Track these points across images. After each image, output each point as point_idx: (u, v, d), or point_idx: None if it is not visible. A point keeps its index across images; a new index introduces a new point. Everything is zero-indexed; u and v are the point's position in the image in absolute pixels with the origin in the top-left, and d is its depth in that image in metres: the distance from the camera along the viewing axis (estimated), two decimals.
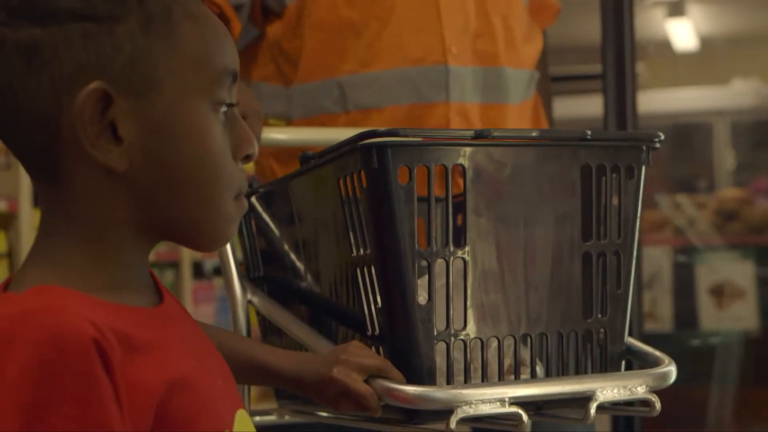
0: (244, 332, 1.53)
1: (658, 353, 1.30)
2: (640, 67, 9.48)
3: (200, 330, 1.00)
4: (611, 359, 1.28)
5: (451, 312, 1.19)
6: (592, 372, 1.27)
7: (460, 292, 1.20)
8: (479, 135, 1.18)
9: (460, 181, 1.19)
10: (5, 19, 0.88)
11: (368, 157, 1.15)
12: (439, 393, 1.14)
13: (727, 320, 4.66)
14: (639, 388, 1.21)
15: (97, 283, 0.89)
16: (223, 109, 0.93)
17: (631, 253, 1.29)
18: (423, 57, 1.73)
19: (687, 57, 10.10)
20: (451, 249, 1.18)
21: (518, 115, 1.83)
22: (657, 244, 4.81)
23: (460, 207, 1.20)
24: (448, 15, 1.75)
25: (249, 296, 1.55)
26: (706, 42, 9.54)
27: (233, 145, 0.94)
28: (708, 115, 8.70)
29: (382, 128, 1.16)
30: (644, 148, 1.28)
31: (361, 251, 1.22)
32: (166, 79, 0.90)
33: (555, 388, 1.19)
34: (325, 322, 1.39)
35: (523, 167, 1.22)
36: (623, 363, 1.30)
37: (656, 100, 8.73)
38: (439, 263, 1.18)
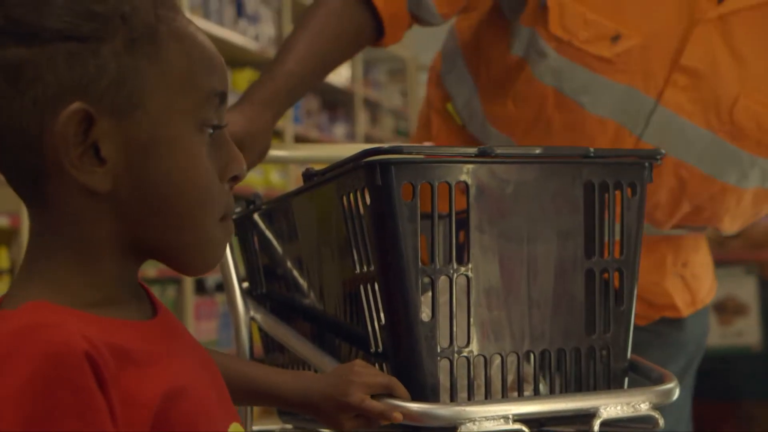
0: (246, 349, 1.53)
1: (661, 369, 1.30)
2: None
3: (195, 342, 1.00)
4: (614, 376, 1.28)
5: (455, 329, 1.19)
6: (596, 389, 1.27)
7: (464, 308, 1.20)
8: (482, 152, 1.18)
9: (464, 198, 1.20)
10: None
11: (372, 175, 1.16)
12: (443, 410, 1.14)
13: (730, 336, 4.65)
14: (642, 405, 1.21)
15: (87, 299, 0.89)
16: (210, 130, 0.92)
17: (634, 270, 1.29)
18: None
19: None
20: (455, 266, 1.18)
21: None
22: None
23: (463, 224, 1.20)
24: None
25: (251, 313, 1.55)
26: None
27: (220, 167, 0.93)
28: None
29: (385, 145, 1.16)
30: (646, 164, 1.28)
31: (365, 268, 1.22)
32: (151, 100, 0.89)
33: (559, 405, 1.20)
34: (328, 339, 1.39)
35: (526, 184, 1.22)
36: (626, 379, 1.30)
37: None
38: (443, 280, 1.18)
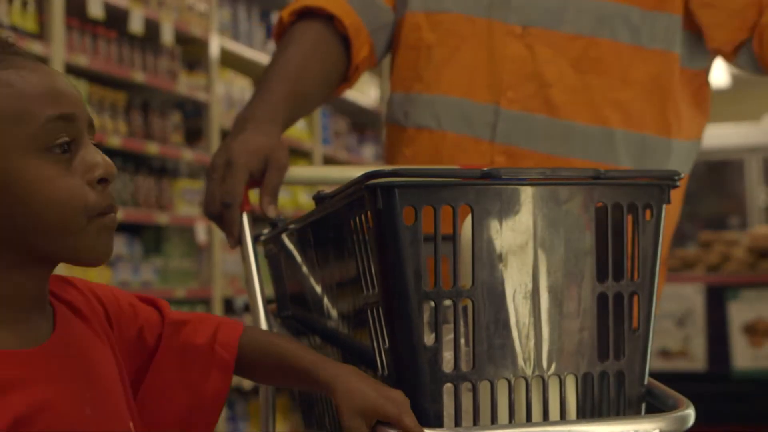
0: None
1: (678, 395, 1.27)
2: None
3: (92, 362, 1.14)
4: (630, 402, 1.25)
5: (460, 354, 1.17)
6: (610, 415, 1.24)
7: (469, 333, 1.18)
8: (487, 175, 1.16)
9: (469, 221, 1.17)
10: None
11: (373, 198, 1.14)
12: None
13: (761, 359, 4.60)
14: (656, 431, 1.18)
15: None
16: (58, 150, 1.07)
17: (651, 294, 1.26)
18: (479, 93, 1.79)
19: (719, 93, 10.07)
20: (459, 290, 1.17)
21: None
22: (689, 282, 4.77)
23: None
24: (512, 61, 1.78)
25: None
26: (737, 79, 9.50)
27: (83, 173, 1.08)
28: (740, 151, 8.65)
29: (388, 168, 1.15)
30: (663, 187, 1.25)
31: (371, 291, 1.21)
32: None
33: (564, 431, 1.18)
34: (348, 362, 1.38)
35: (534, 206, 1.19)
36: (643, 405, 1.27)
37: None
38: (446, 304, 1.16)
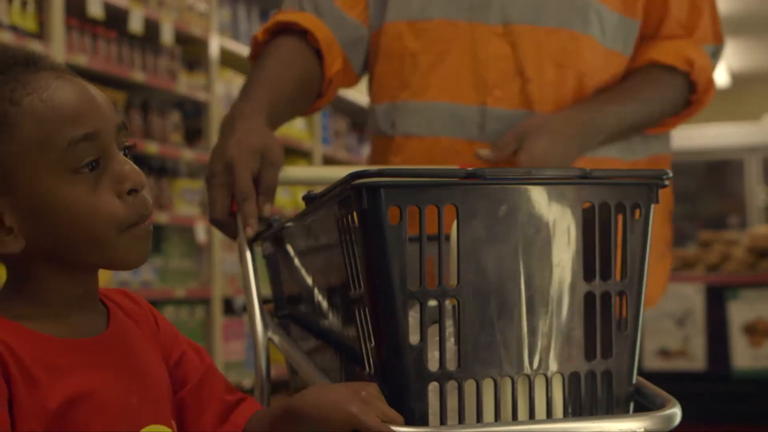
0: (263, 369, 1.54)
1: (665, 394, 1.26)
2: None
3: (141, 358, 1.20)
4: (617, 401, 1.25)
5: (445, 352, 1.17)
6: (597, 414, 1.24)
7: (454, 332, 1.18)
8: (471, 175, 1.16)
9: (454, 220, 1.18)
10: None
11: (359, 198, 1.14)
12: None
13: (761, 358, 4.60)
14: (641, 430, 1.18)
15: (19, 313, 1.14)
16: (86, 169, 1.12)
17: (639, 294, 1.26)
18: (466, 95, 1.81)
19: (718, 93, 10.05)
20: (444, 289, 1.17)
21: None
22: (689, 281, 4.78)
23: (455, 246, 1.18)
24: (496, 60, 1.81)
25: (270, 334, 1.55)
26: (737, 78, 9.50)
27: (113, 186, 1.14)
28: (739, 151, 8.65)
29: (374, 168, 1.15)
30: (651, 186, 1.25)
31: (357, 290, 1.21)
32: (18, 172, 1.11)
33: (546, 430, 1.18)
34: (348, 364, 1.38)
35: (521, 206, 1.19)
36: (632, 405, 1.27)
37: (687, 137, 8.69)
38: (432, 303, 1.16)
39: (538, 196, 1.20)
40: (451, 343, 1.18)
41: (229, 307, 4.85)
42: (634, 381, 1.27)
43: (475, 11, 1.82)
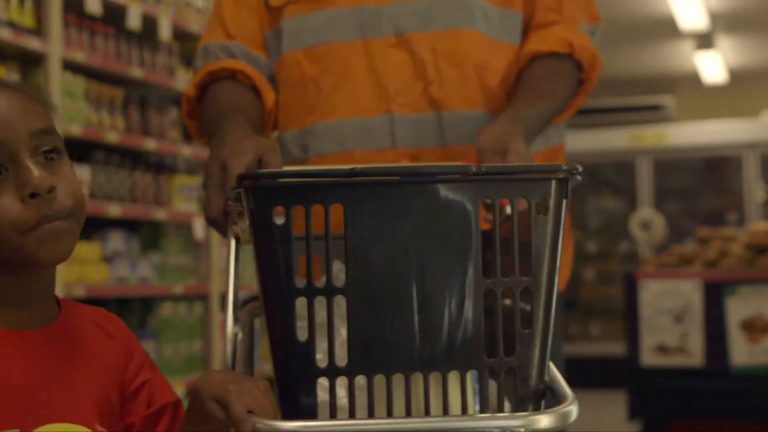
0: (230, 363, 1.54)
1: (568, 392, 1.25)
2: (670, 100, 9.47)
3: (78, 362, 1.24)
4: (523, 399, 1.25)
5: (334, 349, 1.19)
6: (501, 412, 1.23)
7: (343, 329, 1.19)
8: (353, 173, 1.17)
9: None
10: None
11: (248, 198, 1.17)
12: (285, 426, 1.13)
13: (759, 354, 4.60)
14: (521, 430, 1.17)
15: None
16: None
17: (549, 291, 1.24)
18: (371, 107, 1.86)
19: (716, 89, 10.07)
20: (332, 285, 1.18)
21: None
22: (687, 278, 4.78)
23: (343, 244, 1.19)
24: (395, 68, 1.86)
25: (237, 329, 1.57)
26: (735, 74, 9.51)
27: (16, 191, 1.19)
28: (738, 147, 8.65)
29: (262, 171, 1.19)
30: (557, 181, 1.23)
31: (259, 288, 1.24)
32: None
33: (415, 427, 1.17)
34: None
35: (412, 204, 1.19)
36: (542, 401, 1.26)
37: (685, 133, 8.69)
38: (319, 300, 1.18)
39: (431, 193, 1.20)
40: (343, 340, 1.20)
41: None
42: (545, 378, 1.26)
43: (367, 28, 1.87)
